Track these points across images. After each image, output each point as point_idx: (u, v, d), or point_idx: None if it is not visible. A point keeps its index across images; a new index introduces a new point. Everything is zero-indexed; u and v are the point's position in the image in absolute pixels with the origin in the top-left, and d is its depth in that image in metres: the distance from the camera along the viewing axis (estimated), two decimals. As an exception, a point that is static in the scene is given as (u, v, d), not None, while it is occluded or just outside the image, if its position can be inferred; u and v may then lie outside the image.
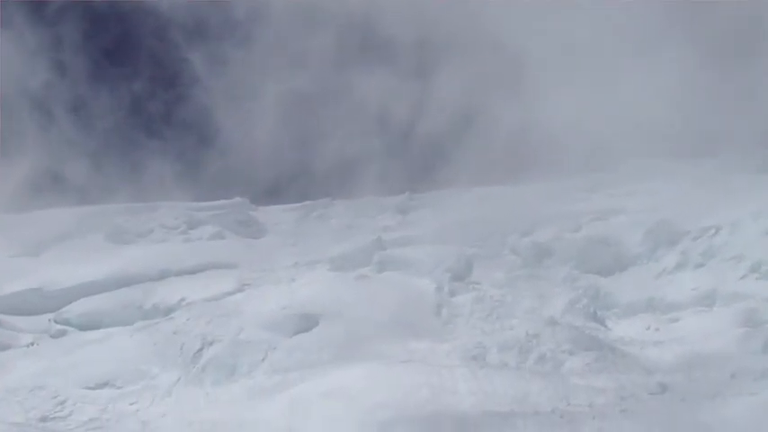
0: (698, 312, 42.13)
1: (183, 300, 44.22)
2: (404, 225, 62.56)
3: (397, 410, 28.61)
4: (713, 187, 55.58)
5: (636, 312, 43.46)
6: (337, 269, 49.24)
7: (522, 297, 44.03)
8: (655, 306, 43.62)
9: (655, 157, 67.38)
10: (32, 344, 41.47)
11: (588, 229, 54.01)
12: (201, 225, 62.25)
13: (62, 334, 42.50)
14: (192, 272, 49.12)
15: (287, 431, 28.69)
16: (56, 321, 44.14)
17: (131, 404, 33.53)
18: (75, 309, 44.56)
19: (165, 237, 60.12)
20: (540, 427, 25.97)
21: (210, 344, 37.66)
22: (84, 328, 42.84)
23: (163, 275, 48.28)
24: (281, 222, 66.64)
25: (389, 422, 27.68)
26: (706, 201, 52.18)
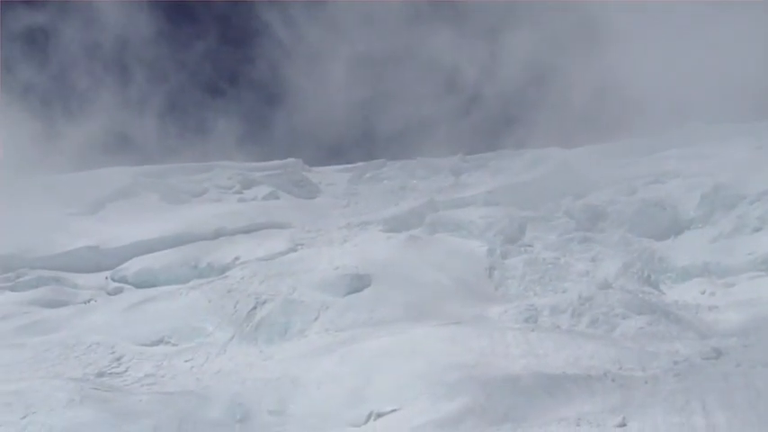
0: (754, 277, 41.62)
1: (237, 259, 44.63)
2: (456, 187, 62.43)
3: (445, 372, 28.71)
4: (769, 151, 54.71)
5: (691, 277, 43.07)
6: (390, 230, 49.36)
7: (576, 260, 43.84)
8: (710, 270, 43.19)
9: (713, 121, 66.46)
10: (90, 300, 42.17)
11: (643, 192, 53.47)
12: (255, 185, 62.74)
13: (118, 291, 43.16)
14: (246, 231, 49.51)
15: (342, 389, 28.90)
16: (112, 279, 44.82)
17: (186, 361, 33.99)
18: (132, 266, 45.18)
19: (220, 197, 60.66)
20: (591, 390, 25.90)
21: (264, 303, 37.99)
22: (140, 285, 43.45)
23: (217, 235, 48.73)
24: (334, 183, 66.91)
25: (446, 383, 27.79)
26: (763, 165, 51.36)
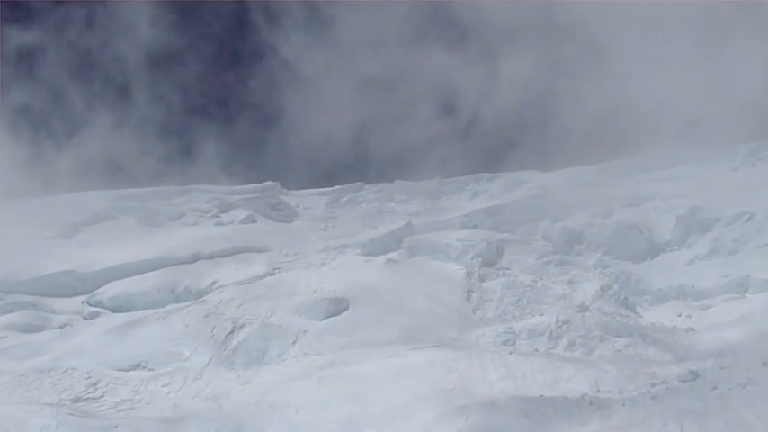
0: (730, 299, 41.94)
1: (214, 283, 44.45)
2: (434, 210, 62.58)
3: (422, 397, 28.72)
4: (746, 173, 55.17)
5: (667, 299, 43.35)
6: (368, 254, 49.36)
7: (553, 283, 44.01)
8: (686, 293, 43.47)
9: (690, 143, 67.01)
10: (66, 325, 41.87)
11: (619, 214, 53.82)
12: (233, 209, 62.59)
13: (95, 316, 42.83)
14: (224, 255, 49.33)
15: (320, 413, 28.83)
16: (89, 303, 44.48)
17: (163, 386, 33.81)
18: (108, 291, 44.89)
19: (197, 220, 60.47)
20: (569, 413, 25.93)
21: (241, 327, 37.89)
22: (116, 310, 43.15)
23: (194, 258, 48.50)
24: (311, 207, 66.87)
25: (423, 408, 27.79)
26: (739, 187, 51.84)
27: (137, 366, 35.68)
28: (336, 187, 72.57)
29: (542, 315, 38.73)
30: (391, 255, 48.90)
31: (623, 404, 26.45)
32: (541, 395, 28.06)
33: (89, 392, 33.31)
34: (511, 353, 33.79)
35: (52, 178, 76.93)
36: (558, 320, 37.24)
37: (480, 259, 46.90)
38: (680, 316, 40.68)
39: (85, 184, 73.13)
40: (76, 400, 32.56)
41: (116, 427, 28.35)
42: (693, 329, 37.75)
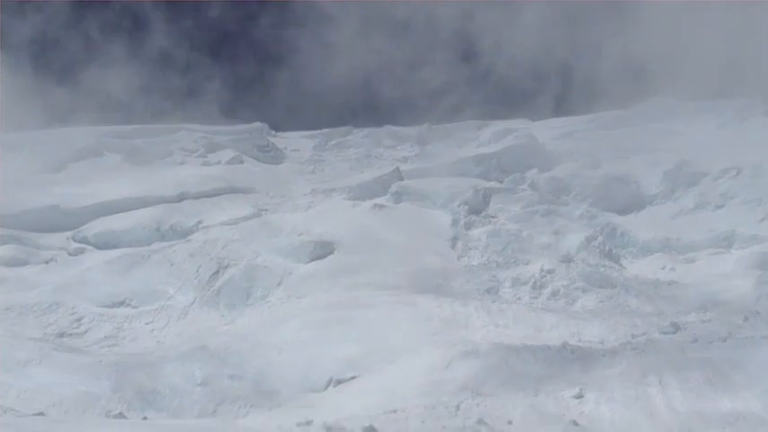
0: (714, 254, 42.09)
1: (200, 222, 44.35)
2: (422, 156, 62.41)
3: (405, 341, 28.90)
4: (735, 129, 55.19)
5: (652, 252, 43.46)
6: (354, 198, 49.28)
7: (539, 233, 44.02)
8: (671, 246, 43.58)
9: (679, 97, 66.86)
10: (51, 261, 41.81)
11: (607, 166, 53.77)
12: (220, 149, 62.27)
13: (80, 252, 42.75)
14: (210, 195, 49.15)
15: (302, 355, 28.98)
16: (74, 239, 44.38)
17: (147, 323, 33.92)
18: (94, 227, 44.75)
19: (184, 159, 60.16)
20: (549, 361, 26.11)
21: (226, 267, 37.92)
22: (101, 247, 43.05)
23: (181, 198, 48.32)
24: (299, 149, 66.62)
25: (404, 351, 27.97)
26: (727, 142, 51.90)
27: (121, 303, 35.73)
28: (325, 130, 72.18)
29: (527, 264, 38.86)
30: (378, 200, 48.81)
31: (604, 355, 26.64)
32: (523, 343, 28.24)
33: (73, 328, 33.40)
34: (494, 301, 33.96)
35: (51, 112, 75.98)
36: (542, 270, 37.42)
37: (467, 207, 46.86)
38: (664, 269, 40.82)
39: (83, 118, 72.24)
40: (60, 335, 32.66)
41: (99, 362, 28.44)
42: (677, 282, 37.93)
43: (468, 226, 44.53)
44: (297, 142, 68.88)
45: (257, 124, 69.84)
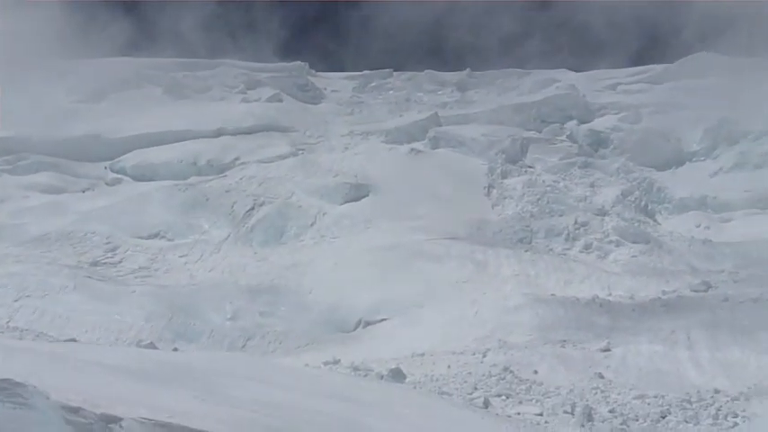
0: (750, 214, 41.69)
1: (236, 159, 44.54)
2: (462, 103, 61.95)
3: (436, 286, 29.05)
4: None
5: (688, 209, 43.09)
6: (391, 141, 49.13)
7: (575, 185, 43.80)
8: (707, 204, 43.21)
9: (726, 53, 65.72)
10: (87, 190, 42.21)
11: (648, 121, 53.12)
12: (260, 86, 62.14)
13: (117, 182, 43.19)
14: (248, 132, 49.21)
15: (333, 296, 29.21)
16: (111, 170, 44.79)
17: (181, 256, 34.24)
18: (131, 159, 45.13)
19: (223, 95, 60.11)
20: (578, 313, 26.14)
21: (261, 205, 38.12)
22: (138, 178, 43.44)
23: (218, 134, 48.46)
24: (339, 90, 66.32)
25: (435, 297, 28.10)
26: (770, 102, 50.99)
27: (156, 235, 36.08)
28: (365, 72, 71.70)
29: (561, 216, 38.71)
30: (415, 144, 48.65)
31: (633, 310, 26.63)
32: (553, 294, 28.28)
33: (107, 257, 33.79)
34: (526, 251, 33.93)
35: (91, 41, 75.73)
36: (576, 222, 37.28)
37: (504, 156, 46.62)
38: (699, 227, 40.52)
39: (102, 49, 71.87)
40: (95, 263, 33.06)
41: (133, 292, 28.86)
42: (710, 241, 37.64)
43: (504, 175, 44.34)
44: (337, 83, 68.53)
45: (298, 63, 69.45)
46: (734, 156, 47.74)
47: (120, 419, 7.72)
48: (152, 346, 23.03)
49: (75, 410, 7.51)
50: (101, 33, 76.87)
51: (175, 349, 24.33)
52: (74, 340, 22.71)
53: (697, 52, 67.14)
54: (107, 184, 43.21)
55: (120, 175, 44.05)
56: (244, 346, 26.79)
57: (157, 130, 48.00)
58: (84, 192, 41.81)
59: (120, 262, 33.57)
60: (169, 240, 35.79)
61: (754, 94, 53.18)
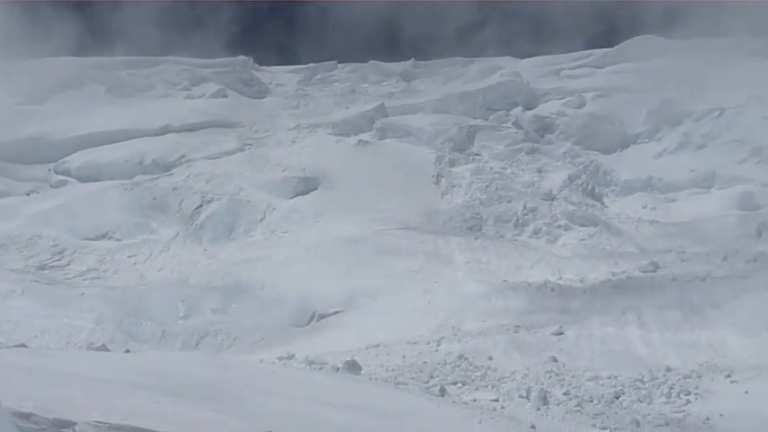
0: (695, 194, 42.33)
1: (183, 157, 44.16)
2: (407, 93, 62.02)
3: (388, 277, 29.11)
4: (719, 69, 54.99)
5: (634, 191, 43.62)
6: (339, 134, 49.05)
7: (522, 171, 44.13)
8: (653, 185, 43.77)
9: (667, 35, 66.48)
10: (32, 192, 41.63)
11: (592, 105, 53.63)
12: (204, 82, 61.66)
13: (62, 184, 42.62)
14: (193, 129, 48.85)
15: (285, 290, 29.14)
16: (56, 171, 44.19)
17: (130, 257, 33.92)
18: (76, 160, 44.56)
19: (167, 92, 59.58)
20: (530, 298, 26.35)
21: (209, 201, 37.90)
22: (84, 179, 42.89)
23: (164, 131, 48.00)
24: (284, 83, 66.06)
25: (388, 287, 28.17)
26: (711, 82, 51.65)
27: (104, 236, 35.69)
28: (310, 65, 71.46)
29: (510, 202, 38.92)
30: (362, 136, 48.62)
31: (584, 292, 26.92)
32: (504, 280, 28.47)
33: (55, 260, 33.38)
34: (477, 238, 34.12)
35: (31, 41, 74.54)
36: (524, 208, 37.53)
37: (451, 144, 46.78)
38: (645, 208, 41.03)
39: (42, 48, 70.79)
40: (42, 267, 32.64)
41: (82, 295, 28.56)
42: (657, 222, 38.16)
43: (452, 163, 44.50)
44: (281, 77, 68.24)
45: (242, 57, 69.02)
46: (677, 137, 48.39)
47: (74, 424, 7.65)
48: (104, 348, 22.75)
49: (27, 416, 7.43)
50: (42, 33, 75.92)
51: (128, 351, 24.05)
52: (23, 346, 22.35)
53: (638, 35, 67.89)
54: (52, 186, 42.61)
55: (65, 177, 43.46)
56: (197, 345, 26.67)
57: (102, 129, 47.43)
58: (28, 195, 41.20)
59: (67, 265, 33.17)
60: (117, 241, 35.42)
61: (694, 76, 53.89)
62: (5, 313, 26.88)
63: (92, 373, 11.60)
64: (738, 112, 48.01)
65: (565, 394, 18.02)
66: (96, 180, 42.39)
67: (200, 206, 37.57)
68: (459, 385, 18.62)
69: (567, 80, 59.89)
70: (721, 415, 16.72)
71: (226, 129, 49.75)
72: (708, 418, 16.69)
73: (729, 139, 46.54)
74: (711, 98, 49.68)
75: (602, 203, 42.03)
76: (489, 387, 18.54)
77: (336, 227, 35.02)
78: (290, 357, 21.86)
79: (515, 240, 34.91)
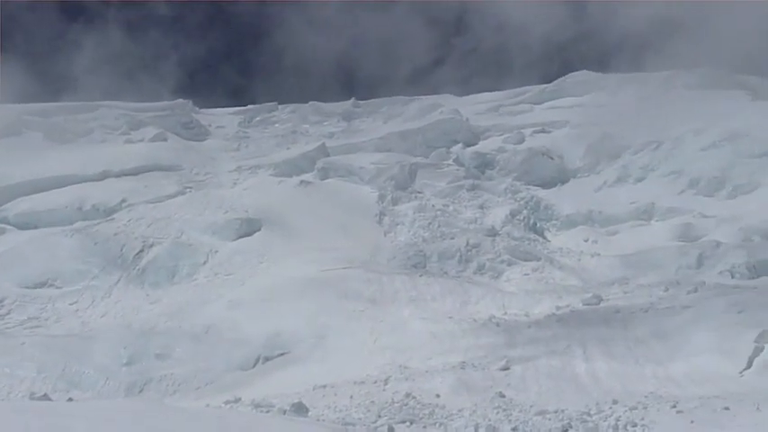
0: (636, 226, 42.94)
1: (123, 201, 43.79)
2: (348, 132, 62.32)
3: (332, 317, 29.03)
4: (655, 102, 55.99)
5: (575, 224, 44.14)
6: (281, 174, 49.07)
7: (464, 207, 44.45)
8: (594, 219, 44.31)
9: (602, 70, 67.64)
10: (-30, 242, 40.93)
11: (531, 141, 54.34)
12: (143, 126, 61.30)
13: (0, 232, 41.95)
14: (133, 173, 48.53)
15: (230, 333, 28.89)
16: (-6, 220, 43.52)
17: (71, 304, 33.41)
18: (14, 207, 43.94)
19: (106, 137, 59.10)
20: (476, 334, 26.41)
21: (151, 246, 37.52)
22: (22, 227, 42.31)
23: (103, 176, 47.63)
24: (224, 125, 65.95)
25: (332, 327, 28.07)
26: (648, 116, 52.58)
27: (44, 284, 35.10)
28: (250, 107, 71.53)
29: (453, 239, 39.13)
30: (304, 176, 48.73)
31: (529, 326, 27.03)
32: (450, 317, 28.50)
33: (-5, 310, 32.77)
34: (421, 275, 34.16)
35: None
36: (467, 244, 37.72)
37: (393, 182, 47.02)
38: (587, 241, 41.51)
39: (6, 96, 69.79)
40: (-19, 317, 32.03)
41: (22, 344, 28.01)
42: (599, 255, 38.58)
43: (395, 201, 44.71)
44: (222, 119, 68.15)
45: (180, 101, 68.84)
46: (616, 170, 49.16)
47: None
48: (46, 397, 22.32)
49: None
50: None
51: (70, 399, 23.68)
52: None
53: (573, 71, 68.99)
54: (-11, 234, 41.94)
55: (3, 225, 42.79)
56: (141, 391, 26.25)
57: (40, 176, 46.87)
58: (-35, 244, 40.49)
59: (7, 314, 32.57)
60: (58, 288, 34.87)
61: (631, 109, 54.88)
62: (-57, 366, 26.29)
63: (32, 423, 11.36)
64: (675, 144, 48.94)
65: (513, 430, 17.98)
66: (35, 227, 41.87)
67: (142, 250, 37.17)
68: (408, 424, 18.51)
69: (506, 116, 60.68)
70: (668, 445, 16.80)
71: (166, 172, 49.47)
72: (655, 449, 16.76)
73: (667, 171, 47.38)
74: (648, 131, 50.59)
75: (545, 238, 42.44)
76: (437, 425, 18.45)
77: (281, 268, 34.90)
78: (237, 401, 21.62)
79: (459, 277, 35.05)
